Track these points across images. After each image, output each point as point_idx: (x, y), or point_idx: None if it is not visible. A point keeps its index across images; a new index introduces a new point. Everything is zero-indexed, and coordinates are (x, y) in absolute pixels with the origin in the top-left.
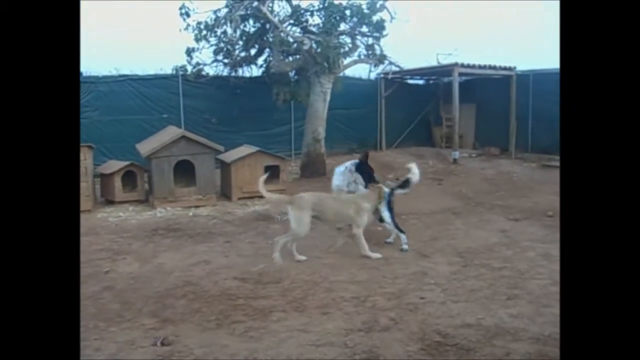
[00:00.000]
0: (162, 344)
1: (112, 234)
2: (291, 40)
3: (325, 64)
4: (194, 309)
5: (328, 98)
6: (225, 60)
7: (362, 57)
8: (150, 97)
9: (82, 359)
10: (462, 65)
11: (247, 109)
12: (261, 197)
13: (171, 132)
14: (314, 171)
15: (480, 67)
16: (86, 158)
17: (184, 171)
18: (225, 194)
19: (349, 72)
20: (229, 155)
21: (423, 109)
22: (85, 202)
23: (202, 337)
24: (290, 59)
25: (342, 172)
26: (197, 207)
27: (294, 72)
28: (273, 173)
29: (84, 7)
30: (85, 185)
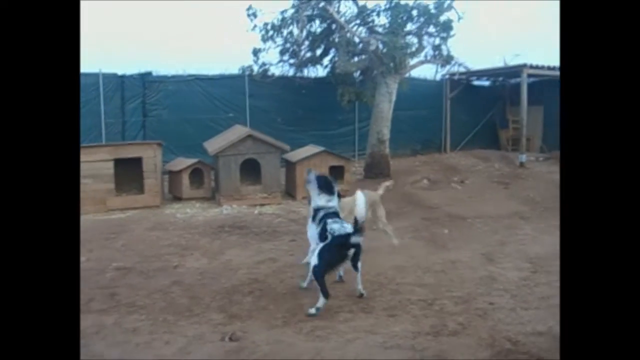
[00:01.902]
0: (231, 339)
1: (180, 230)
2: (357, 40)
3: (391, 64)
4: (261, 306)
5: (393, 99)
6: (291, 61)
7: (429, 57)
8: (216, 96)
9: (152, 352)
10: (531, 67)
11: (312, 109)
12: None
13: (238, 131)
14: (378, 172)
15: (549, 68)
16: (155, 155)
17: (250, 169)
18: (289, 192)
19: (414, 72)
20: (295, 155)
21: (489, 111)
22: (153, 198)
23: (269, 334)
24: (356, 59)
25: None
26: (262, 205)
27: (359, 72)
28: (337, 173)
29: (149, 7)
30: (154, 182)
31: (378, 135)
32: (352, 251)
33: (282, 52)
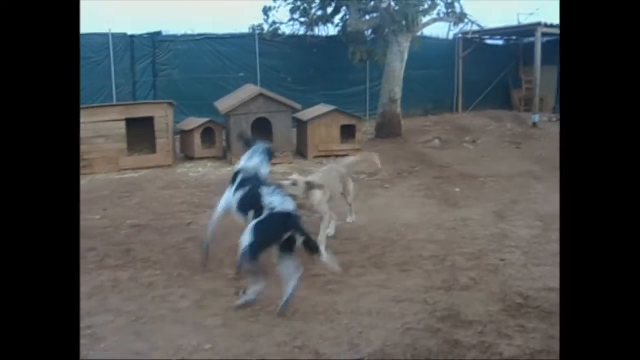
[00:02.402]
0: (244, 294)
1: (192, 189)
2: None
3: (403, 22)
4: (273, 262)
5: (405, 58)
6: (302, 19)
7: (442, 15)
8: (227, 55)
9: (168, 305)
10: (546, 25)
11: (323, 68)
12: (337, 155)
13: (249, 90)
14: (390, 132)
15: None
16: (167, 115)
17: (261, 129)
18: (301, 152)
19: (426, 31)
20: (306, 114)
21: (502, 70)
22: (165, 158)
23: (282, 289)
24: (368, 17)
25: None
26: (273, 164)
27: (371, 31)
28: (348, 133)
29: None
30: (166, 142)
31: (390, 95)
32: (287, 235)
33: (292, 11)
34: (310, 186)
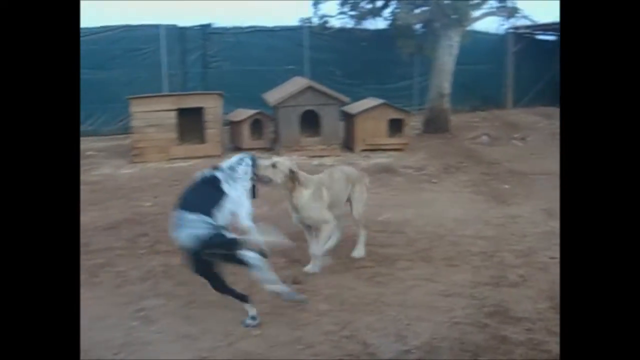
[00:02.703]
0: (293, 282)
1: None
2: None
3: (454, 16)
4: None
5: (455, 52)
6: (351, 12)
7: (493, 9)
8: (276, 48)
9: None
10: None
11: (371, 62)
12: (384, 149)
13: (297, 83)
14: (437, 127)
15: None
16: (217, 105)
17: (309, 121)
18: (347, 145)
19: (476, 25)
20: (354, 107)
21: (553, 66)
22: (214, 148)
23: (329, 279)
24: (418, 11)
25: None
26: (320, 157)
27: (420, 24)
28: (396, 127)
29: None
30: (215, 132)
31: (438, 89)
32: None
33: (342, 4)
34: (293, 176)
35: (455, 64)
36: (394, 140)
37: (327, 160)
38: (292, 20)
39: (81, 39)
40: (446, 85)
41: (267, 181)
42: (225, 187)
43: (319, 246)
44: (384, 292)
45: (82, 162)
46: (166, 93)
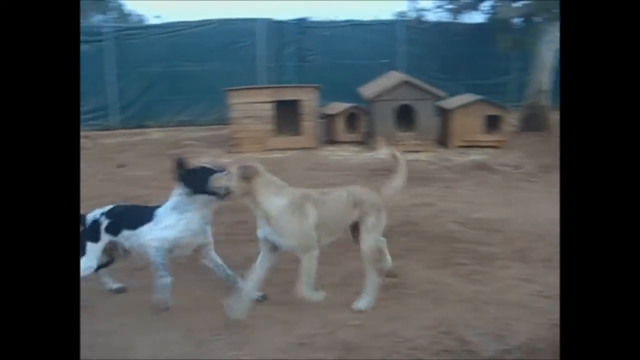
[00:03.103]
0: (388, 276)
1: (334, 171)
2: None
3: (555, 10)
4: (418, 247)
5: (556, 47)
6: (449, 6)
7: None
8: (371, 42)
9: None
10: None
11: (467, 56)
12: (480, 146)
13: (393, 77)
14: (536, 125)
15: None
16: (313, 98)
17: (404, 116)
18: (442, 141)
19: None
20: (450, 103)
21: None
22: (310, 140)
23: (426, 274)
24: (518, 4)
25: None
26: (415, 152)
27: (521, 18)
28: (493, 123)
29: None
30: (311, 124)
31: (538, 86)
32: None
33: None
34: (244, 173)
35: (556, 59)
36: (491, 137)
37: (421, 155)
38: (387, 14)
39: (180, 32)
40: (546, 82)
41: (225, 193)
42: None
43: (300, 283)
44: (482, 290)
45: (181, 151)
46: (263, 85)
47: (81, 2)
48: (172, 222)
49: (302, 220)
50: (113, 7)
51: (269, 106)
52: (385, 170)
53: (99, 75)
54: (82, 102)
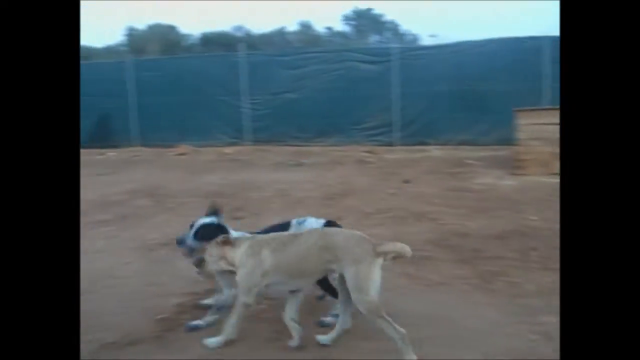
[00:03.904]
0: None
1: None
2: None
3: None
4: None
5: None
6: None
7: None
8: None
9: None
10: None
11: None
12: None
13: None
14: None
15: None
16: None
17: None
18: None
19: None
20: None
21: None
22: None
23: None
24: None
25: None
26: None
27: None
28: None
29: None
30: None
31: None
32: None
33: None
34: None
35: None
36: None
37: None
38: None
39: (466, 51)
40: None
41: (200, 265)
42: None
43: (226, 325)
44: None
45: (462, 169)
46: (550, 106)
47: (359, 23)
48: None
49: (254, 264)
50: (389, 27)
51: (554, 128)
52: None
53: (385, 95)
54: (368, 119)
